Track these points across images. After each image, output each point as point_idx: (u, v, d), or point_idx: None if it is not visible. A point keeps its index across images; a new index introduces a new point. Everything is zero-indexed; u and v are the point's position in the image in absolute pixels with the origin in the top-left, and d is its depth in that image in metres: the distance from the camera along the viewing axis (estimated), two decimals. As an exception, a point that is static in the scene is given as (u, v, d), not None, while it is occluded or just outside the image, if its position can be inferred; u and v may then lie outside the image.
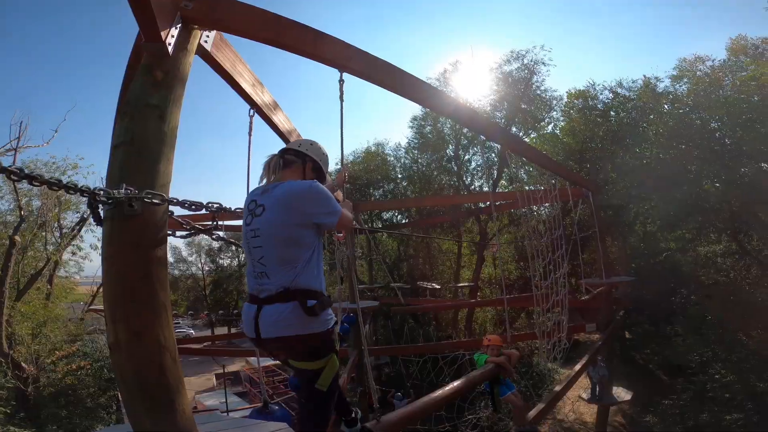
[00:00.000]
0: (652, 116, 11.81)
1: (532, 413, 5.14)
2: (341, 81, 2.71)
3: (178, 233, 1.93)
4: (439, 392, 2.99)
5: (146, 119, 1.55)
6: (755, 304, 9.48)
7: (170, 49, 1.66)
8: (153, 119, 1.56)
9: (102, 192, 1.34)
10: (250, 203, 1.77)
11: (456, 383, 3.25)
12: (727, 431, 8.51)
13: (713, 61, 11.58)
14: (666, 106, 11.67)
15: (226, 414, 12.65)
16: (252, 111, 3.13)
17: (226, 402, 13.15)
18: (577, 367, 6.98)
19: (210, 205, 1.73)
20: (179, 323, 33.55)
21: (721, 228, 11.53)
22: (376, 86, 3.10)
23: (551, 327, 6.05)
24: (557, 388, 6.31)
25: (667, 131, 11.07)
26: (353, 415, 2.25)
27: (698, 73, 11.29)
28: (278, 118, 3.49)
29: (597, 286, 8.45)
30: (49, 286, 13.68)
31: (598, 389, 7.91)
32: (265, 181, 1.84)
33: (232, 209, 1.95)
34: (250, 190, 1.88)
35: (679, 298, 13.63)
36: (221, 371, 19.52)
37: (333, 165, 4.92)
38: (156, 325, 1.38)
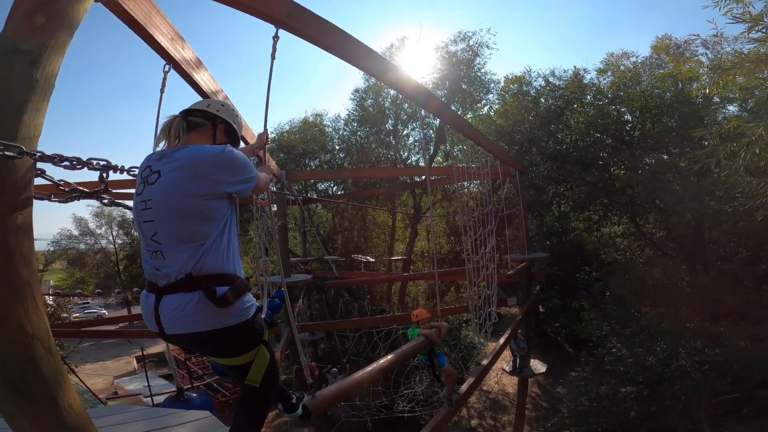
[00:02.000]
0: (575, 105, 12.67)
1: (464, 387, 5.43)
2: (276, 38, 2.48)
3: (54, 197, 1.58)
4: (373, 366, 2.99)
5: (12, 65, 1.23)
6: (647, 283, 10.58)
7: (58, -8, 1.33)
8: (21, 65, 1.24)
9: None
10: (144, 170, 1.46)
11: (389, 357, 3.29)
12: (622, 403, 9.13)
13: (637, 57, 12.80)
14: (588, 97, 12.59)
15: (149, 399, 11.84)
16: (167, 66, 2.77)
17: (149, 386, 12.24)
18: (502, 340, 7.38)
19: (94, 162, 1.40)
20: (89, 303, 30.40)
21: (622, 211, 12.91)
22: (318, 49, 2.93)
23: (481, 301, 6.32)
24: (485, 361, 6.62)
25: (586, 120, 12.01)
26: (293, 400, 2.11)
27: (621, 67, 12.28)
28: (201, 77, 3.15)
29: (520, 261, 9.03)
30: None
31: (518, 362, 8.45)
32: (164, 145, 1.51)
33: (126, 168, 1.61)
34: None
35: (583, 275, 15.22)
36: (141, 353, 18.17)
37: (252, 126, 4.64)
38: (19, 310, 1.10)
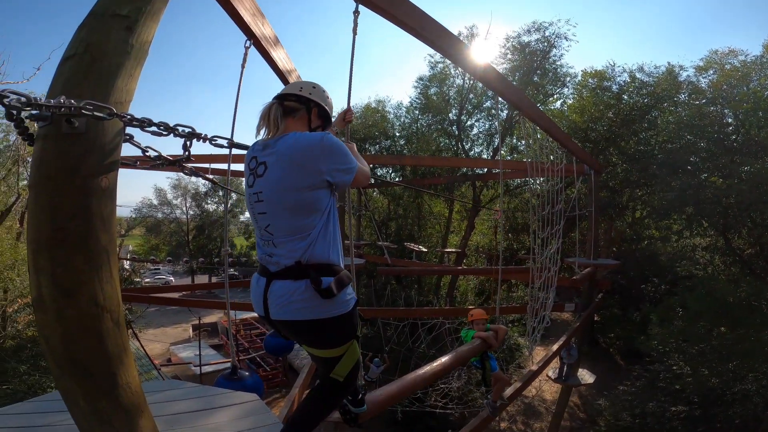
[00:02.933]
0: (666, 104, 11.46)
1: (509, 391, 5.20)
2: (356, 12, 2.39)
3: (140, 164, 1.58)
4: (426, 368, 2.82)
5: (109, 29, 1.22)
6: (729, 301, 9.60)
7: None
8: (118, 30, 1.23)
9: (12, 97, 0.97)
10: (250, 161, 1.51)
11: (444, 359, 3.09)
12: (668, 422, 8.78)
13: (746, 55, 11.13)
14: (683, 96, 11.32)
15: (198, 369, 12.74)
16: (248, 42, 2.79)
17: (200, 355, 13.19)
18: (555, 347, 7.02)
19: (179, 128, 1.36)
20: (159, 270, 33.21)
21: (710, 222, 11.56)
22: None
23: (539, 303, 5.98)
24: (534, 367, 6.35)
25: (678, 120, 10.83)
26: (359, 396, 2.06)
27: (727, 66, 10.84)
28: (278, 55, 3.16)
29: (586, 266, 8.43)
30: (20, 226, 12.76)
31: (565, 369, 8.02)
32: (264, 132, 1.56)
33: (209, 137, 1.59)
34: (233, 133, 1.57)
35: (651, 287, 14.02)
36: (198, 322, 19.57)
37: (338, 105, 4.60)
38: (93, 279, 1.06)
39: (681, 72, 11.94)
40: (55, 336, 1.05)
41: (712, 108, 10.38)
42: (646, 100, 11.76)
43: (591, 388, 12.34)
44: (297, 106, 1.59)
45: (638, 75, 12.37)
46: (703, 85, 11.17)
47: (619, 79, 12.89)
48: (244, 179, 1.57)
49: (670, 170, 10.47)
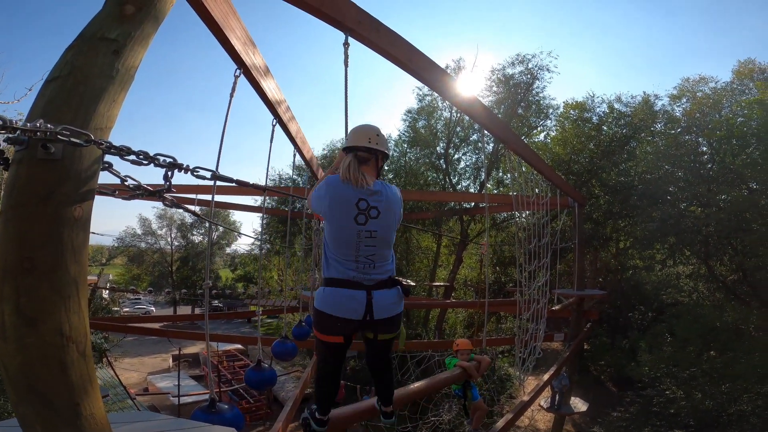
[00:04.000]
0: (643, 134, 11.86)
1: (500, 423, 5.07)
2: (346, 44, 2.49)
3: (119, 194, 1.55)
4: (400, 392, 2.75)
5: (96, 52, 1.22)
6: (716, 326, 9.70)
7: (150, -16, 1.35)
8: (105, 54, 1.23)
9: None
10: (359, 201, 1.84)
11: (418, 384, 3.05)
12: None
13: (716, 82, 11.56)
14: (659, 125, 11.75)
15: (176, 399, 12.15)
16: (238, 71, 2.79)
17: (179, 386, 12.59)
18: (546, 377, 6.95)
19: (160, 158, 1.34)
20: (140, 299, 32.12)
21: (692, 251, 11.79)
22: (381, 60, 2.85)
23: (529, 335, 5.94)
24: (525, 398, 6.23)
25: (655, 150, 11.20)
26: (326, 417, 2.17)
27: (699, 94, 11.27)
28: (268, 85, 3.17)
29: (570, 297, 8.47)
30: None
31: (557, 398, 7.90)
32: (350, 180, 1.90)
33: (191, 168, 1.56)
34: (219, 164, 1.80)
35: (638, 314, 14.15)
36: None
37: (333, 137, 4.61)
38: (60, 309, 1.02)
39: (656, 101, 12.41)
40: (14, 364, 1.00)
41: (687, 137, 10.73)
42: (624, 131, 12.12)
43: (585, 415, 12.13)
44: (368, 156, 1.96)
45: (616, 105, 12.82)
46: (677, 114, 11.54)
47: (598, 109, 13.33)
48: (338, 210, 1.83)
49: (651, 201, 10.72)
